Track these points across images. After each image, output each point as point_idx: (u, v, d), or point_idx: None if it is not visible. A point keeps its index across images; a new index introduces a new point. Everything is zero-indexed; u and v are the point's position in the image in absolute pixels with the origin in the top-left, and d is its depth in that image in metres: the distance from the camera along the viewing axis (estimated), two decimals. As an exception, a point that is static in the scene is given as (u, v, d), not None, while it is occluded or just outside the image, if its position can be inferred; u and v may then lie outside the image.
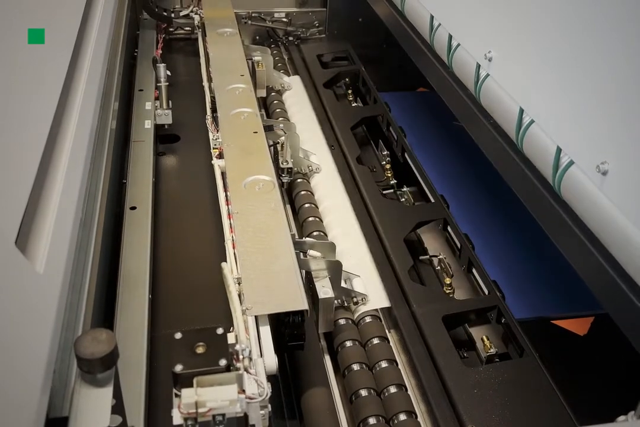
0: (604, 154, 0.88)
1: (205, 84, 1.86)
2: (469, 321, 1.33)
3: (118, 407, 0.73)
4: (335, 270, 1.23)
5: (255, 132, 1.50)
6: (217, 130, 1.58)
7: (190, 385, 0.75)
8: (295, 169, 1.64)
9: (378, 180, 1.73)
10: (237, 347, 0.79)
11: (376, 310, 1.29)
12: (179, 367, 0.75)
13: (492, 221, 1.72)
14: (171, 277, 1.38)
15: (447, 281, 1.40)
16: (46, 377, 0.66)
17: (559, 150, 0.99)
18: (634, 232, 0.85)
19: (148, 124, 1.78)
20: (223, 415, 0.74)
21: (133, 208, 1.45)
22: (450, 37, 1.40)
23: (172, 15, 2.44)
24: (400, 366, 1.20)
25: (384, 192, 1.70)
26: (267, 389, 0.79)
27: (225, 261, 1.46)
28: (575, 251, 1.02)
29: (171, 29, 2.54)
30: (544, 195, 1.07)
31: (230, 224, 1.25)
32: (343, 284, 1.26)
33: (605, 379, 1.31)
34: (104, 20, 1.53)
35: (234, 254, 1.16)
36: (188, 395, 0.74)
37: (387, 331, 1.27)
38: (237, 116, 1.56)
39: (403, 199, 1.68)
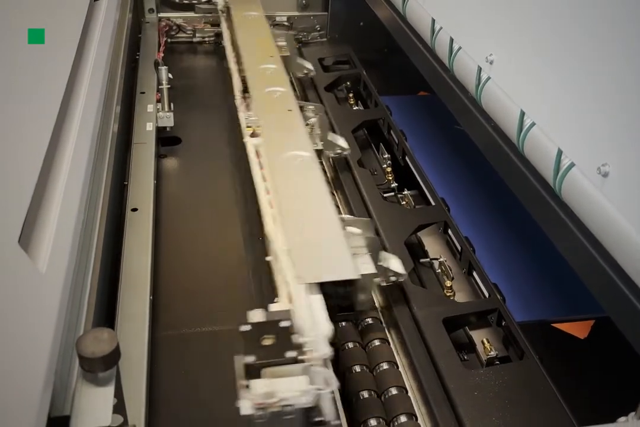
0: (604, 156, 0.89)
1: (233, 65, 1.86)
2: (469, 324, 1.33)
3: (119, 407, 0.73)
4: (374, 247, 1.22)
5: (290, 110, 1.50)
6: (248, 110, 1.59)
7: (257, 376, 0.75)
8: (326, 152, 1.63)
9: (379, 183, 1.73)
10: (302, 340, 0.79)
11: (377, 312, 1.30)
12: (249, 359, 0.75)
13: (493, 223, 1.72)
14: (172, 278, 1.38)
15: (448, 283, 1.40)
16: (48, 377, 0.66)
17: (559, 152, 0.99)
18: (634, 234, 0.86)
19: (150, 127, 1.79)
20: (291, 406, 0.75)
21: (134, 210, 1.46)
22: (451, 40, 1.40)
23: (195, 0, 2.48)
24: (400, 368, 1.20)
25: (385, 195, 1.70)
26: (335, 380, 0.80)
27: (227, 264, 1.47)
28: (576, 253, 1.02)
29: (173, 33, 2.56)
30: (545, 197, 1.08)
31: (268, 199, 1.26)
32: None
33: (605, 382, 1.31)
34: (106, 23, 1.54)
35: (274, 229, 1.17)
36: (259, 385, 0.74)
37: (387, 333, 1.27)
38: (270, 95, 1.57)
39: (404, 202, 1.68)
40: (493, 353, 1.24)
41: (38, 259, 0.77)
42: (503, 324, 1.28)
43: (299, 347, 0.78)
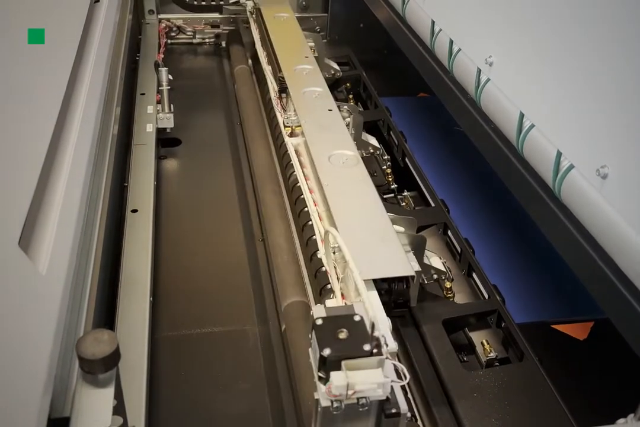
0: (603, 157, 0.89)
1: (266, 66, 1.89)
2: (469, 325, 1.33)
3: (119, 408, 0.73)
4: (419, 245, 1.23)
5: (330, 110, 1.53)
6: (285, 110, 1.62)
7: (335, 369, 0.76)
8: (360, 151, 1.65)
9: (379, 184, 1.73)
10: (376, 333, 0.80)
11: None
12: (327, 351, 0.76)
13: (492, 225, 1.72)
14: (172, 279, 1.39)
15: (448, 285, 1.40)
16: (48, 378, 0.66)
17: (559, 154, 1.00)
18: (633, 235, 0.86)
19: (150, 128, 1.79)
20: (367, 398, 0.76)
21: (134, 211, 1.46)
22: (451, 42, 1.41)
23: (222, 2, 2.53)
24: (400, 370, 1.20)
25: (385, 196, 1.70)
26: (407, 373, 0.81)
27: (227, 265, 1.47)
28: (575, 255, 1.02)
29: (173, 34, 2.57)
30: (544, 199, 1.08)
31: (312, 198, 1.29)
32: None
33: (605, 383, 1.31)
34: (106, 25, 1.54)
35: (322, 226, 1.20)
36: (339, 377, 0.75)
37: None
38: (309, 95, 1.60)
39: (403, 204, 1.68)
40: (493, 354, 1.24)
41: (38, 261, 0.77)
42: (503, 325, 1.28)
43: (373, 341, 0.79)
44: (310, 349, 0.80)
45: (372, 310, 0.90)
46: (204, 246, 1.51)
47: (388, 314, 1.02)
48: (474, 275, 1.43)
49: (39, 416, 0.62)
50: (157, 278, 1.35)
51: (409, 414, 0.82)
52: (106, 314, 1.15)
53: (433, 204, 1.63)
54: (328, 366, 0.76)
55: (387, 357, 0.79)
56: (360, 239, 1.12)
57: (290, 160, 1.79)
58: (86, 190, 1.00)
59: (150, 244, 1.36)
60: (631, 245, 0.87)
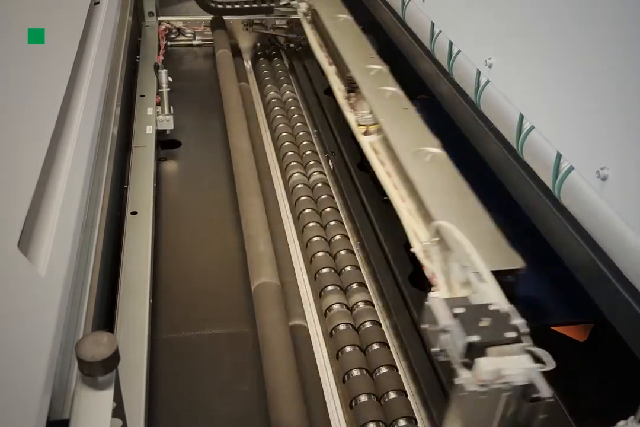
0: (603, 159, 0.89)
1: (329, 67, 1.89)
2: (469, 327, 1.32)
3: (118, 410, 0.73)
4: None
5: (406, 109, 1.52)
6: (355, 109, 1.61)
7: (479, 355, 0.78)
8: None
9: (379, 186, 1.73)
10: (516, 321, 0.81)
11: (376, 314, 1.30)
12: (474, 338, 0.78)
13: (492, 227, 1.72)
14: (172, 281, 1.39)
15: (448, 286, 1.40)
16: (47, 380, 0.66)
17: (559, 155, 1.00)
18: (633, 237, 0.86)
19: (149, 130, 1.79)
20: (510, 383, 0.78)
21: (134, 213, 1.46)
22: (450, 44, 1.41)
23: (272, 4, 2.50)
24: (400, 372, 1.20)
25: (385, 198, 1.70)
26: (552, 360, 0.82)
27: (227, 267, 1.47)
28: (575, 256, 1.02)
29: (173, 36, 2.57)
30: (544, 200, 1.08)
31: (399, 194, 1.29)
32: None
33: (605, 385, 1.31)
34: (106, 26, 1.54)
35: (412, 222, 1.20)
36: (487, 363, 0.77)
37: (387, 337, 1.27)
38: (381, 94, 1.58)
39: (403, 205, 1.68)
40: (493, 356, 1.23)
41: (38, 263, 0.77)
42: (503, 327, 1.27)
43: (515, 329, 0.81)
44: (446, 337, 0.82)
45: (504, 300, 0.91)
46: (204, 247, 1.51)
47: None
48: (474, 277, 1.43)
49: (38, 418, 0.62)
50: (157, 280, 1.35)
51: (551, 399, 0.83)
52: (106, 316, 1.15)
53: (433, 206, 1.63)
54: (474, 352, 0.78)
55: (529, 344, 0.82)
56: (464, 233, 1.09)
57: (291, 163, 1.79)
58: (86, 192, 1.00)
59: (149, 246, 1.36)
60: (631, 246, 0.87)
